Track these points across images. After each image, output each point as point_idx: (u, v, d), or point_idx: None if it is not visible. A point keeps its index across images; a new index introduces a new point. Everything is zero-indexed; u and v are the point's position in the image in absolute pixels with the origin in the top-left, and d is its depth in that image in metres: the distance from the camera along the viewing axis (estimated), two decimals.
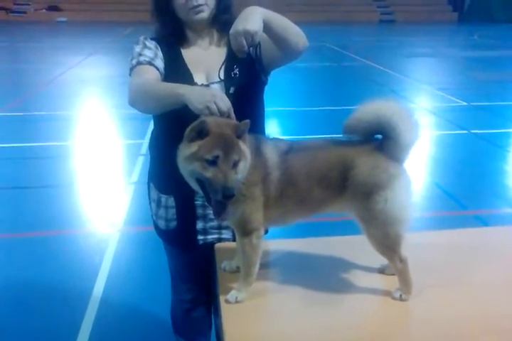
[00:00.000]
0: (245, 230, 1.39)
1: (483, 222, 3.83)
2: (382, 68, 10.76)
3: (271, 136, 1.54)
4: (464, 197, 4.33)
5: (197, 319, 2.00)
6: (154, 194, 1.80)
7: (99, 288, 2.92)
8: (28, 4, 21.50)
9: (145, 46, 1.67)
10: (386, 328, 1.33)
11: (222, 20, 1.68)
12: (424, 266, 1.54)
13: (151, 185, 1.82)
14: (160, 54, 1.67)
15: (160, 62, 1.65)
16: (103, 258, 3.25)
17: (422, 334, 1.31)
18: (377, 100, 1.37)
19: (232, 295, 1.41)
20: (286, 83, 9.31)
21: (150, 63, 1.62)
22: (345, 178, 1.38)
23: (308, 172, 1.39)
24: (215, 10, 1.65)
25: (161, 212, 1.78)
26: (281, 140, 1.47)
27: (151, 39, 1.71)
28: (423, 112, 7.04)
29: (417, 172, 4.86)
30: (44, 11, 21.57)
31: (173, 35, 1.69)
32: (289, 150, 1.41)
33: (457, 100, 7.83)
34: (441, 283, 1.49)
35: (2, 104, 7.32)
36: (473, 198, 4.34)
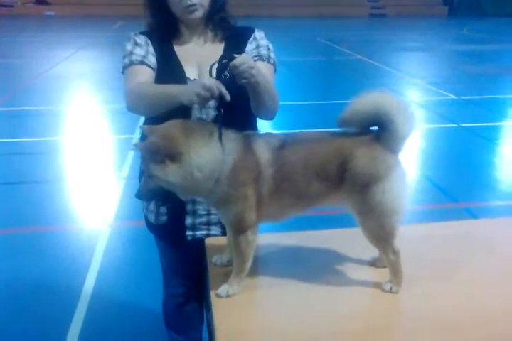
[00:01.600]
0: (240, 228, 1.38)
1: (473, 214, 3.86)
2: (372, 62, 10.77)
3: (263, 131, 1.52)
4: (453, 189, 4.36)
5: (189, 313, 2.00)
6: None
7: (89, 283, 2.91)
8: None
9: (136, 43, 1.65)
10: (377, 320, 1.33)
11: (217, 18, 1.67)
12: (415, 259, 1.54)
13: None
14: (151, 50, 1.66)
15: (152, 58, 1.64)
16: (94, 253, 3.23)
17: (411, 325, 1.31)
18: (373, 92, 1.37)
19: (223, 289, 1.40)
20: (276, 77, 9.31)
21: (142, 62, 1.61)
22: (343, 170, 1.37)
23: (305, 166, 1.38)
24: (209, 8, 1.63)
25: (152, 206, 1.77)
26: (274, 135, 1.44)
27: (142, 33, 1.69)
28: (413, 106, 7.02)
29: (408, 165, 4.85)
30: (31, 4, 21.29)
31: (165, 29, 1.67)
32: (282, 145, 1.38)
33: (447, 94, 7.87)
34: (431, 275, 1.50)
35: None
36: (463, 191, 4.37)
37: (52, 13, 21.02)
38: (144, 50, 1.65)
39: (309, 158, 1.39)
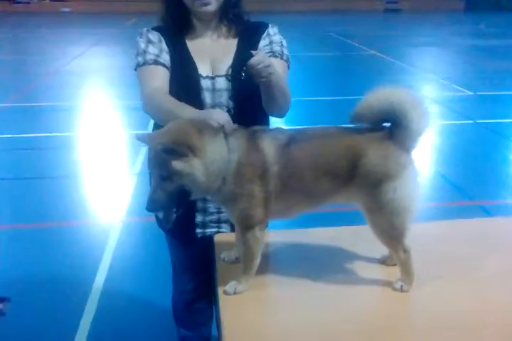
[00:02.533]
0: (247, 225, 1.36)
1: (487, 212, 3.80)
2: (387, 57, 10.66)
3: (273, 126, 1.49)
4: (468, 187, 4.31)
5: (198, 310, 2.00)
6: None
7: (101, 277, 2.93)
8: None
9: (149, 41, 1.64)
10: (387, 319, 1.31)
11: (231, 13, 1.65)
12: (427, 257, 1.52)
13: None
14: (164, 46, 1.65)
15: (165, 56, 1.63)
16: (105, 248, 3.26)
17: (422, 324, 1.29)
18: (388, 87, 1.34)
19: (231, 286, 1.39)
20: (289, 73, 9.26)
21: (156, 61, 1.61)
22: (354, 167, 1.34)
23: (314, 163, 1.35)
24: (223, 3, 1.62)
25: None
26: (282, 131, 1.41)
27: (154, 29, 1.68)
28: (428, 102, 6.94)
29: (422, 162, 4.83)
30: (48, 1, 21.48)
31: (178, 23, 1.66)
32: (290, 141, 1.35)
33: (463, 89, 7.76)
34: (443, 274, 1.47)
35: (6, 95, 7.32)
36: (478, 188, 4.31)
37: (68, 9, 21.19)
38: (158, 48, 1.64)
39: (319, 155, 1.36)
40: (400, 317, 1.33)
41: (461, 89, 7.80)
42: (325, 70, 9.95)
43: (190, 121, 1.30)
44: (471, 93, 7.58)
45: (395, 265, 1.47)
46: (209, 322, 2.04)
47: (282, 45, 1.69)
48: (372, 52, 11.49)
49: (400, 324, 1.31)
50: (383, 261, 1.54)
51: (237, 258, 1.52)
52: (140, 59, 1.63)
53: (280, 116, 1.66)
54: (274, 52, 1.65)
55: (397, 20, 20.39)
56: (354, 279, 1.46)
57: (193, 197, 1.34)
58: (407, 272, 1.41)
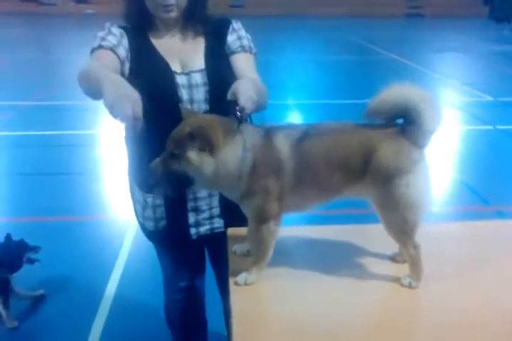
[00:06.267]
0: (262, 220, 1.38)
1: (504, 217, 3.78)
2: (407, 62, 10.61)
3: (286, 123, 1.49)
4: (486, 192, 4.28)
5: (192, 314, 2.03)
6: (139, 195, 1.76)
7: (117, 271, 3.01)
8: None
9: (110, 32, 1.59)
10: (394, 313, 1.33)
11: (199, 16, 1.64)
12: (439, 256, 1.53)
13: (134, 185, 1.78)
14: (125, 42, 1.59)
15: (122, 51, 1.57)
16: (123, 242, 3.34)
17: (429, 320, 1.30)
18: (403, 84, 1.35)
19: (242, 276, 1.42)
20: (308, 76, 9.28)
21: (112, 49, 1.54)
22: (367, 162, 1.35)
23: (327, 158, 1.36)
24: (190, 7, 1.60)
25: (148, 212, 1.74)
26: (295, 126, 1.42)
27: (119, 27, 1.63)
28: (448, 107, 6.93)
29: (441, 166, 4.82)
30: (72, 3, 21.90)
31: (142, 23, 1.63)
32: (304, 136, 1.37)
33: (484, 95, 7.68)
34: (453, 273, 1.48)
35: (32, 94, 7.51)
36: (496, 194, 4.27)
37: (92, 11, 21.56)
38: (117, 40, 1.57)
39: (332, 150, 1.37)
40: (407, 312, 1.34)
41: (482, 94, 7.73)
42: (345, 74, 9.94)
43: (220, 120, 1.32)
44: (491, 99, 7.50)
45: (404, 262, 1.48)
46: (204, 326, 2.08)
47: (249, 39, 1.71)
48: (393, 56, 11.45)
49: (408, 318, 1.32)
50: (393, 258, 1.55)
51: (248, 251, 1.54)
52: (96, 43, 1.55)
53: (260, 111, 1.59)
54: (244, 46, 1.67)
55: (419, 25, 20.23)
56: (364, 274, 1.48)
57: (195, 188, 1.36)
58: (416, 268, 1.42)
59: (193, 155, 1.26)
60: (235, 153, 1.29)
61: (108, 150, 5.29)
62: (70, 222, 3.68)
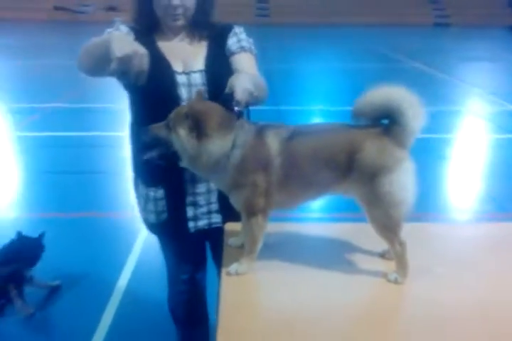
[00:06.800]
0: (250, 212, 1.44)
1: None
2: (433, 71, 10.55)
3: (277, 122, 1.54)
4: (507, 200, 4.25)
5: (195, 307, 2.08)
6: (142, 189, 1.84)
7: (129, 266, 3.11)
8: (88, 5, 22.50)
9: (118, 29, 1.68)
10: (379, 307, 1.37)
11: (204, 23, 1.72)
12: (438, 256, 1.58)
13: (139, 181, 1.86)
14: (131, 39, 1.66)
15: None
16: (136, 239, 3.45)
17: (412, 313, 1.35)
18: (387, 85, 1.39)
19: (233, 267, 1.48)
20: (333, 83, 9.32)
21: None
22: (352, 160, 1.40)
23: (314, 156, 1.42)
24: (197, 15, 1.68)
25: (150, 205, 1.82)
26: (284, 126, 1.48)
27: (127, 26, 1.72)
28: (473, 116, 6.88)
29: (466, 175, 4.83)
30: (103, 11, 22.50)
31: (148, 27, 1.71)
32: (292, 135, 1.43)
33: (509, 104, 7.59)
34: (445, 271, 1.51)
35: (61, 96, 7.79)
36: None
37: (121, 19, 22.05)
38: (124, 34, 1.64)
39: (319, 148, 1.43)
40: (392, 305, 1.39)
41: (507, 104, 7.64)
42: (369, 82, 9.90)
43: (223, 111, 1.39)
44: None
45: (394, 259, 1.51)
46: (206, 320, 2.13)
47: (249, 41, 1.77)
48: (419, 65, 11.39)
49: (393, 311, 1.37)
50: (382, 255, 1.59)
51: (242, 244, 1.59)
52: (109, 30, 1.64)
53: (259, 105, 1.63)
54: (243, 47, 1.74)
55: (446, 34, 20.04)
56: (353, 270, 1.52)
57: (182, 164, 1.43)
58: (402, 264, 1.46)
59: (181, 132, 1.36)
60: (220, 146, 1.36)
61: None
62: (88, 218, 3.83)
